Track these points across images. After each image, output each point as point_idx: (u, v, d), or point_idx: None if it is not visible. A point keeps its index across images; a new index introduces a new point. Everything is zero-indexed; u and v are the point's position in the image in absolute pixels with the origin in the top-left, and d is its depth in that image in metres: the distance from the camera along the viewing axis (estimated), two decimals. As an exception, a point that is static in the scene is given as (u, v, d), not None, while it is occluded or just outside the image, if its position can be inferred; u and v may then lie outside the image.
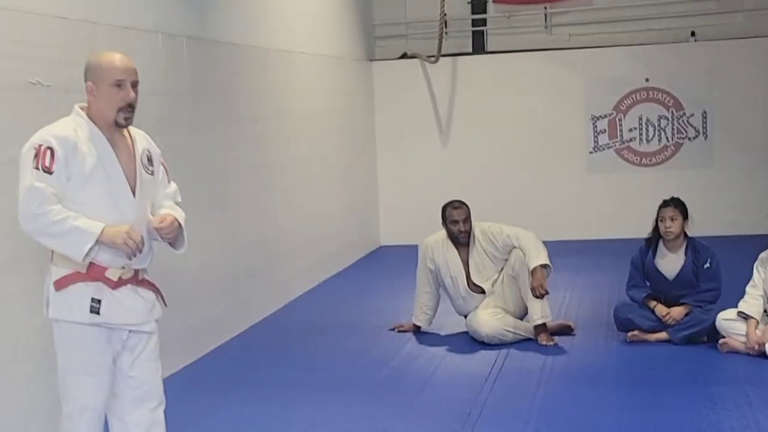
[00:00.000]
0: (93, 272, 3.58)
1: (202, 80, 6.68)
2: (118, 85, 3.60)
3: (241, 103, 7.37)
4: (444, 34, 10.65)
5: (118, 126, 3.65)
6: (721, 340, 6.12)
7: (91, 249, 3.47)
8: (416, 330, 6.93)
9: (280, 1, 8.29)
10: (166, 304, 3.88)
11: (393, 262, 10.10)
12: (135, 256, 3.58)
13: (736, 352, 6.00)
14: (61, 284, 3.58)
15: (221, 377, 6.02)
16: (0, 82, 4.53)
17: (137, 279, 3.71)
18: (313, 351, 6.63)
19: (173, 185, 3.95)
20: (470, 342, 6.59)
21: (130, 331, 3.69)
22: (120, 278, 3.63)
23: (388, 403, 5.35)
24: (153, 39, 5.95)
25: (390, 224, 11.21)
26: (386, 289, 8.59)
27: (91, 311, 3.57)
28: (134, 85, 3.65)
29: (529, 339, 6.52)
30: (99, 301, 3.58)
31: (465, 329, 6.75)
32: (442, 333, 6.92)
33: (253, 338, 7.05)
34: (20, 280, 4.60)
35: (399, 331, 6.97)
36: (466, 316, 6.77)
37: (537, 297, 6.38)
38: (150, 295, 3.77)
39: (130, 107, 3.63)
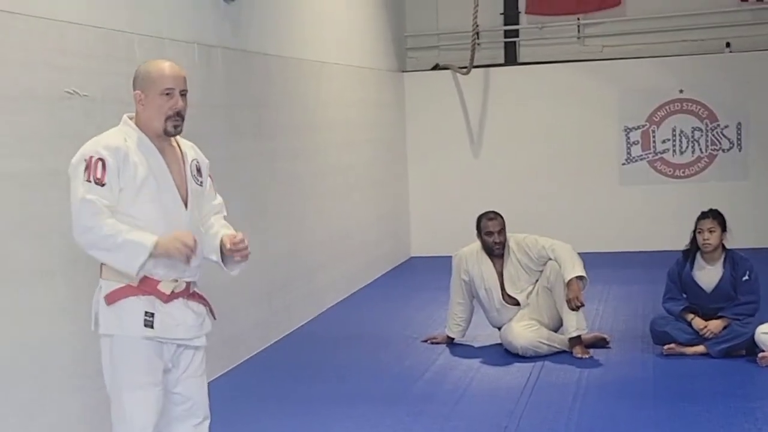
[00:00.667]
0: (145, 285, 3.50)
1: (237, 91, 6.70)
2: (167, 93, 3.54)
3: (275, 114, 7.37)
4: (476, 45, 10.62)
5: (167, 134, 3.59)
6: (760, 354, 6.03)
7: (144, 262, 3.40)
8: (449, 342, 6.89)
9: (314, 12, 8.31)
10: (215, 318, 3.80)
11: (424, 273, 10.08)
12: (192, 258, 3.48)
13: (776, 366, 5.92)
14: (112, 298, 3.50)
15: (255, 388, 6.00)
16: (37, 91, 4.55)
17: (188, 292, 3.64)
18: (347, 362, 6.60)
19: (219, 198, 3.87)
20: (504, 354, 6.54)
21: (178, 345, 3.62)
22: (173, 291, 3.56)
23: (424, 416, 5.31)
24: (189, 50, 5.97)
25: (421, 235, 11.18)
26: (418, 300, 8.55)
27: (145, 325, 3.49)
28: (183, 93, 3.59)
29: (563, 351, 6.46)
30: (152, 315, 3.50)
31: (498, 341, 6.70)
32: (476, 345, 6.87)
33: (287, 349, 7.04)
34: (52, 290, 4.62)
35: (432, 343, 6.93)
36: (499, 328, 6.71)
37: (573, 309, 6.31)
38: (201, 308, 3.70)
39: (179, 116, 3.57)
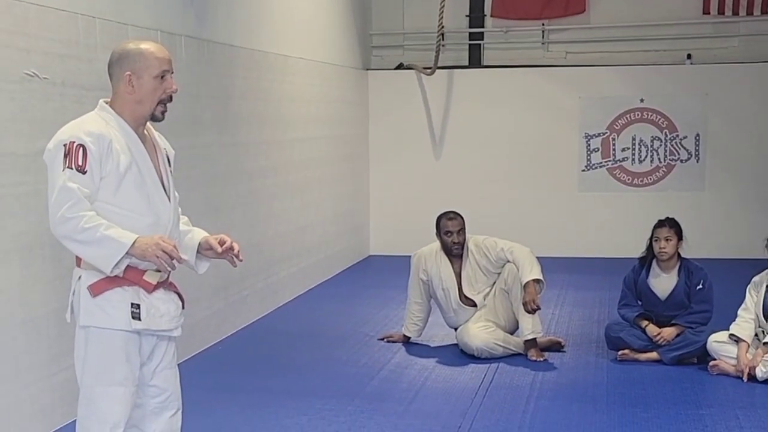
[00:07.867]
0: (131, 276, 3.34)
1: (199, 81, 6.63)
2: (162, 76, 3.38)
3: (237, 106, 7.31)
4: (441, 46, 10.63)
5: (154, 119, 3.44)
6: (711, 362, 6.10)
7: (120, 260, 3.23)
8: (406, 341, 6.88)
9: (280, 5, 8.25)
10: (184, 307, 3.61)
11: (382, 271, 10.07)
12: (171, 269, 3.32)
13: (727, 374, 5.98)
14: (97, 289, 3.32)
15: (207, 382, 5.94)
16: (-3, 72, 4.48)
17: (167, 282, 3.51)
18: (302, 358, 6.56)
19: (176, 193, 3.65)
20: (460, 355, 6.54)
21: (157, 337, 3.48)
22: (158, 282, 3.41)
23: (378, 414, 5.29)
24: (152, 37, 5.88)
25: (379, 234, 11.18)
26: (375, 298, 8.54)
27: (133, 317, 3.32)
28: (171, 75, 3.44)
29: (518, 354, 6.48)
30: (138, 306, 3.34)
31: (454, 341, 6.71)
32: (432, 344, 6.87)
33: (241, 343, 6.98)
34: (6, 273, 4.54)
35: (388, 341, 6.92)
36: (456, 329, 6.72)
37: (529, 312, 6.34)
38: (177, 298, 3.56)
39: (170, 100, 3.44)
